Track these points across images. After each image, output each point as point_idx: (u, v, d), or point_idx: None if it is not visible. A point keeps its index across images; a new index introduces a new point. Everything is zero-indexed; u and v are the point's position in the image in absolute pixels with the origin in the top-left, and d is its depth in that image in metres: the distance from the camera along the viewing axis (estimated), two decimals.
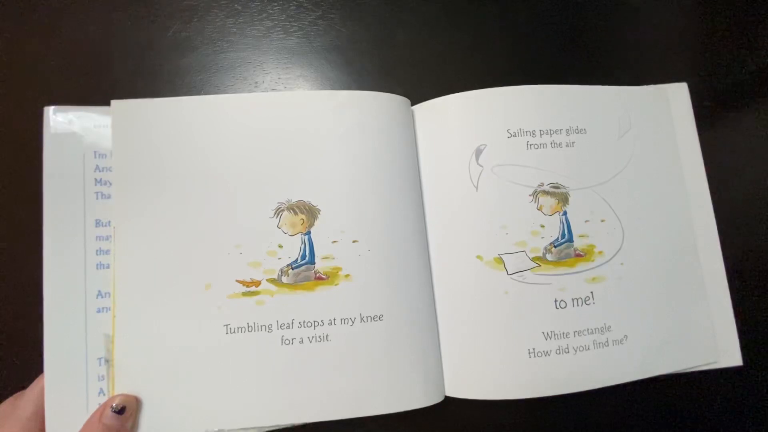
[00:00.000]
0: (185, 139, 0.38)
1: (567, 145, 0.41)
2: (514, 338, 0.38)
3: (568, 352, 0.38)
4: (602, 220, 0.41)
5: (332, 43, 0.47)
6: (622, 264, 0.40)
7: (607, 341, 0.39)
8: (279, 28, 0.47)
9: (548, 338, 0.38)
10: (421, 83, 0.42)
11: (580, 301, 0.39)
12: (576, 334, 0.39)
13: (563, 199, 0.40)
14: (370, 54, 0.47)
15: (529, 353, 0.38)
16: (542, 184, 0.40)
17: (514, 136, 0.40)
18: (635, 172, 0.42)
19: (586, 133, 0.42)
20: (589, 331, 0.39)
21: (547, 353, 0.38)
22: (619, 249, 0.40)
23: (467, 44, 0.47)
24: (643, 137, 0.43)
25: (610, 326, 0.39)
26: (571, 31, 0.48)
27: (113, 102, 0.37)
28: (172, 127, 0.38)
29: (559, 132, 0.41)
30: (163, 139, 0.37)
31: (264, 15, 0.47)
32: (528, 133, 0.40)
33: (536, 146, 0.40)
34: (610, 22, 0.49)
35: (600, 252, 0.40)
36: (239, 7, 0.47)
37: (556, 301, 0.39)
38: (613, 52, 0.49)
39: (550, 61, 0.48)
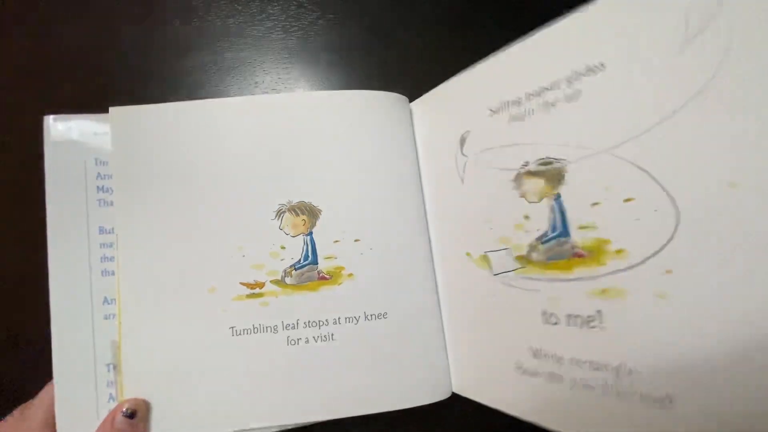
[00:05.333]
0: (184, 144, 0.37)
1: (567, 100, 0.29)
2: (502, 347, 0.33)
3: (563, 382, 0.29)
4: (628, 200, 0.26)
5: (332, 43, 0.47)
6: (669, 272, 0.24)
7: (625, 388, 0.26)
8: (279, 28, 0.47)
9: (537, 356, 0.31)
10: (421, 83, 0.42)
11: (578, 320, 0.28)
12: (574, 362, 0.29)
13: (555, 178, 0.30)
14: (370, 54, 0.47)
15: (516, 368, 0.32)
16: (526, 164, 0.31)
17: (496, 112, 0.33)
18: (708, 106, 0.23)
19: (604, 69, 0.27)
20: (594, 365, 0.28)
21: (535, 374, 0.31)
22: (665, 245, 0.25)
23: (468, 44, 0.47)
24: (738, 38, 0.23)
25: (630, 369, 0.26)
26: None
27: (111, 109, 0.37)
28: (171, 133, 0.38)
29: (555, 87, 0.30)
30: (163, 144, 0.37)
31: (264, 15, 0.47)
32: (510, 104, 0.32)
33: (520, 117, 0.31)
34: None
35: (619, 251, 0.26)
36: (239, 7, 0.47)
37: (545, 313, 0.30)
38: None
39: None
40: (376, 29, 0.47)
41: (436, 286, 0.39)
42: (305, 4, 0.47)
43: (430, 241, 0.39)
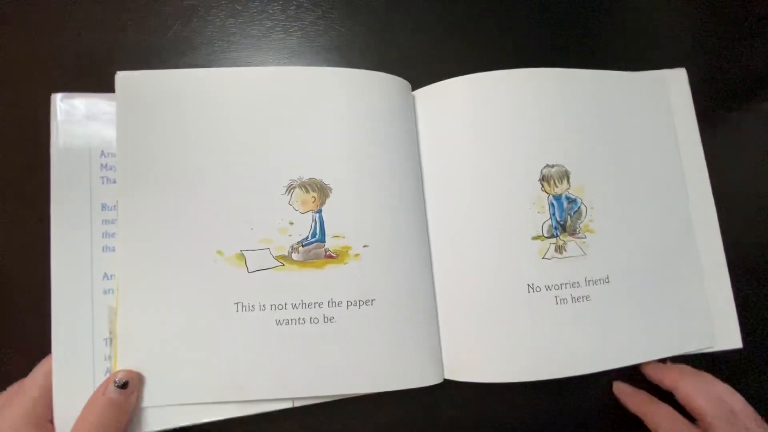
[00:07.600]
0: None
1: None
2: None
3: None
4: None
5: (332, 43, 0.47)
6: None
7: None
8: (279, 28, 0.47)
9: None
10: (421, 83, 0.43)
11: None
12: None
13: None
14: (370, 54, 0.47)
15: None
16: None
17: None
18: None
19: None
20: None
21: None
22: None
23: (467, 43, 0.48)
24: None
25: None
26: (571, 19, 0.49)
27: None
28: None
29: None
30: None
31: (264, 15, 0.47)
32: None
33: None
34: (609, 8, 0.50)
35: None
36: (239, 7, 0.47)
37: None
38: (612, 38, 0.49)
39: (549, 46, 0.49)
40: (376, 29, 0.48)
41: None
42: (305, 4, 0.48)
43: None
